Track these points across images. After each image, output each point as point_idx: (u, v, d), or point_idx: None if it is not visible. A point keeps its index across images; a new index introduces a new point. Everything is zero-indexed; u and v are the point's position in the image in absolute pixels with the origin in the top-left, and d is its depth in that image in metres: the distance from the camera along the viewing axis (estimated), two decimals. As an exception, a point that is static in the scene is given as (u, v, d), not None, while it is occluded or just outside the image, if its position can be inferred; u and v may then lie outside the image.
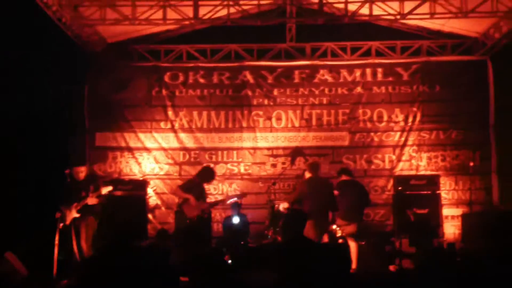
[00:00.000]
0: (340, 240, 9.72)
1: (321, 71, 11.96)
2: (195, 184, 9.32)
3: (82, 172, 8.65)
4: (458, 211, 11.08)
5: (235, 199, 10.35)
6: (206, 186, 9.69)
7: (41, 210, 9.03)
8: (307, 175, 9.45)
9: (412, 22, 11.65)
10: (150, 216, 11.20)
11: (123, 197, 10.39)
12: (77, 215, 8.34)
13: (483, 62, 11.77)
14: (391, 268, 9.55)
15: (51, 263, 7.88)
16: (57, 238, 8.05)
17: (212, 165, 10.67)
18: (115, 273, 5.65)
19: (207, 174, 9.52)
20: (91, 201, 8.35)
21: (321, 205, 8.92)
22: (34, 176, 10.08)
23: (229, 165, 11.71)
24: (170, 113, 11.85)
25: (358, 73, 11.92)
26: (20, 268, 8.23)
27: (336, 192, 9.56)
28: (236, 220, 10.52)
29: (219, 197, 10.71)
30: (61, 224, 8.23)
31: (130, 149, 11.71)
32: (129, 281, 5.65)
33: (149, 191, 11.16)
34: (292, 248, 6.22)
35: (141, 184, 10.86)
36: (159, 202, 11.52)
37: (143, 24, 11.03)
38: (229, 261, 9.05)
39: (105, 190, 8.55)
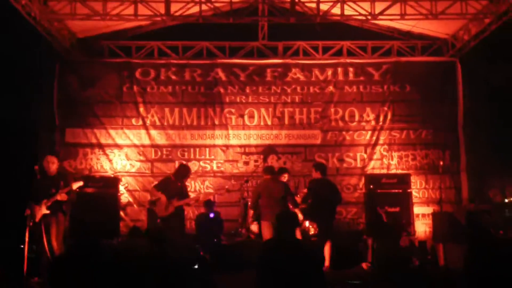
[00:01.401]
0: (313, 238, 9.79)
1: (293, 70, 11.98)
2: (170, 183, 9.23)
3: (53, 163, 8.46)
4: (428, 210, 11.22)
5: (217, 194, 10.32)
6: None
7: (10, 207, 8.84)
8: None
9: (383, 22, 11.79)
10: (122, 213, 11.06)
11: (94, 194, 10.25)
12: (47, 212, 8.16)
13: (452, 63, 11.96)
14: (364, 266, 9.63)
15: (21, 261, 7.73)
16: (27, 235, 7.90)
17: (185, 163, 10.55)
18: (86, 271, 5.57)
19: (182, 171, 9.43)
20: (61, 197, 8.19)
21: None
22: (2, 173, 9.86)
23: (201, 163, 11.64)
24: (141, 109, 11.73)
25: (329, 72, 11.98)
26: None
27: (305, 190, 9.68)
28: (211, 215, 10.47)
29: (192, 195, 10.62)
30: (31, 222, 8.07)
31: (101, 146, 11.55)
32: (101, 279, 5.58)
33: (121, 188, 11.01)
34: (273, 247, 6.22)
35: (113, 181, 10.71)
36: (131, 199, 11.40)
37: (114, 20, 10.92)
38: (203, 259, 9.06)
39: (76, 185, 8.40)
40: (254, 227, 9.70)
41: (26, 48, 10.28)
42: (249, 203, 9.89)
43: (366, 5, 10.45)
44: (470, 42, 11.35)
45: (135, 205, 11.38)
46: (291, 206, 9.38)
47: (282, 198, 9.20)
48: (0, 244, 8.55)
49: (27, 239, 7.85)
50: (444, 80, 11.90)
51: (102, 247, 6.40)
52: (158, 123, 11.72)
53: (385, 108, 11.83)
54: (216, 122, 11.79)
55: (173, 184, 9.19)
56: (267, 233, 8.85)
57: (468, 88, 11.74)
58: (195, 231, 10.64)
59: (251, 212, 9.65)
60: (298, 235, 9.08)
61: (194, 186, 11.42)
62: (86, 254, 5.80)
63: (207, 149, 11.70)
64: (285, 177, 9.98)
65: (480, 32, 10.93)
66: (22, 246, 7.86)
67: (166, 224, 8.87)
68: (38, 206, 8.18)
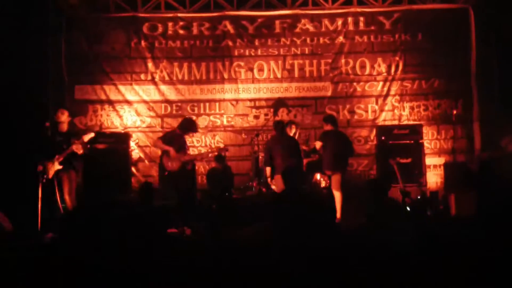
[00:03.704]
0: (324, 191, 9.81)
1: (303, 21, 11.78)
2: (176, 136, 9.10)
3: (63, 113, 8.45)
4: (440, 160, 11.18)
5: (217, 153, 10.20)
6: (188, 138, 9.57)
7: (23, 164, 8.87)
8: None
9: (394, -31, 11.53)
10: (133, 169, 11.13)
11: (105, 150, 10.26)
12: (60, 167, 8.19)
13: (465, 10, 11.67)
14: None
15: (35, 217, 7.81)
16: (40, 192, 7.95)
17: (194, 117, 10.51)
18: (99, 227, 5.61)
19: (189, 126, 9.24)
20: (76, 148, 8.16)
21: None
22: (13, 131, 9.86)
23: (211, 117, 11.60)
24: (150, 65, 11.65)
25: (340, 22, 11.77)
26: (5, 223, 8.17)
27: (319, 142, 9.59)
28: None
29: (202, 150, 10.62)
30: (44, 178, 8.11)
31: (110, 102, 11.53)
32: (112, 235, 5.62)
33: (132, 144, 11.03)
34: (285, 198, 6.24)
35: (123, 137, 10.72)
36: (142, 155, 11.42)
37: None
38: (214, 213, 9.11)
39: (87, 137, 8.37)
40: (275, 187, 9.52)
41: (31, 5, 10.14)
42: (261, 158, 9.90)
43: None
44: (483, -13, 11.07)
45: (146, 161, 11.41)
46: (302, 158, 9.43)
47: (294, 152, 9.21)
48: (13, 201, 8.62)
49: (40, 195, 7.91)
50: (456, 28, 11.65)
51: (112, 202, 6.44)
52: (167, 78, 11.65)
53: (397, 58, 11.65)
54: (226, 76, 11.69)
55: (179, 138, 9.03)
56: (280, 186, 8.87)
57: (480, 35, 11.49)
58: (206, 185, 10.68)
59: (267, 169, 9.53)
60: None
61: (205, 141, 11.41)
62: (98, 209, 5.86)
63: (217, 104, 11.65)
64: (292, 129, 9.96)
65: (494, -22, 10.66)
66: (36, 203, 7.92)
67: (174, 177, 8.83)
68: (51, 163, 8.21)
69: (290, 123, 10.13)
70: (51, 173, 8.21)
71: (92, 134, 8.50)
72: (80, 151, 8.22)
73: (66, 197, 8.26)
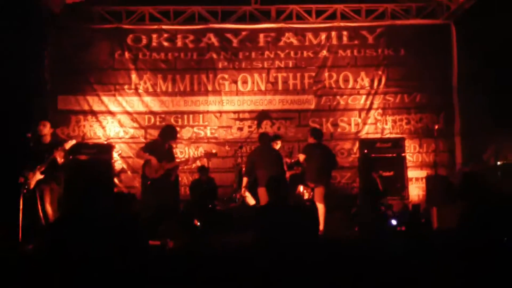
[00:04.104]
0: (307, 203, 9.82)
1: (287, 34, 11.88)
2: (158, 145, 9.05)
3: (45, 126, 8.36)
4: (422, 173, 11.29)
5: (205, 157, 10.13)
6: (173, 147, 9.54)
7: (3, 175, 8.77)
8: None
9: (377, -15, 11.68)
10: (116, 180, 11.09)
11: (88, 161, 10.19)
12: (41, 177, 8.10)
13: (447, 26, 11.88)
14: (357, 229, 9.67)
15: (16, 228, 7.72)
16: (21, 203, 7.86)
17: (173, 125, 10.44)
18: (80, 237, 5.56)
19: (169, 133, 9.18)
20: (58, 155, 8.07)
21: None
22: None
23: (195, 129, 11.60)
24: (133, 76, 11.65)
25: (323, 36, 11.89)
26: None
27: (303, 155, 9.62)
28: None
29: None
30: (25, 189, 8.02)
31: (93, 113, 11.49)
32: (94, 245, 5.58)
33: (114, 155, 10.98)
34: (269, 209, 6.26)
35: (106, 148, 10.66)
36: (124, 166, 11.39)
37: (104, -17, 10.79)
38: (198, 224, 9.07)
39: (69, 144, 8.24)
40: (249, 199, 9.54)
41: (16, 14, 10.09)
42: (243, 169, 9.91)
43: (360, -33, 10.31)
44: (464, 4, 11.22)
45: (129, 172, 11.37)
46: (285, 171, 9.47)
47: (277, 164, 9.24)
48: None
49: (21, 206, 7.82)
50: (438, 43, 11.83)
51: (93, 214, 6.37)
52: (151, 89, 11.66)
53: (379, 72, 11.79)
54: (209, 88, 11.72)
55: (160, 147, 9.00)
56: (264, 199, 8.86)
57: (462, 51, 11.66)
58: (190, 197, 10.65)
59: (245, 179, 9.56)
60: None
61: (188, 153, 11.40)
62: (78, 221, 5.80)
63: (201, 115, 11.66)
64: (277, 144, 10.00)
65: (475, -6, 10.82)
66: (17, 214, 7.83)
67: (156, 186, 8.79)
68: (32, 173, 8.12)
69: (276, 138, 10.14)
70: (32, 183, 8.11)
71: (73, 141, 8.39)
72: (62, 159, 8.14)
73: (48, 207, 8.16)
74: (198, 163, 10.82)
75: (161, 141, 9.08)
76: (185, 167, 10.36)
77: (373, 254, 5.91)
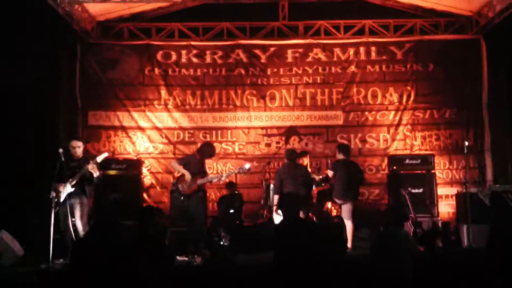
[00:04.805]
0: (335, 220, 9.77)
1: (315, 50, 11.89)
2: (193, 160, 9.12)
3: (79, 147, 8.49)
4: (452, 190, 11.09)
5: (240, 170, 9.96)
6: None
7: (36, 189, 8.93)
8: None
9: (405, 0, 11.64)
10: (145, 195, 11.18)
11: (117, 177, 10.33)
12: (71, 190, 8.20)
13: (476, 41, 11.76)
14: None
15: (47, 242, 7.83)
16: (52, 217, 7.97)
17: (209, 141, 10.50)
18: (109, 252, 5.63)
19: (208, 150, 9.29)
20: (92, 168, 8.17)
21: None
22: (27, 156, 9.97)
23: (223, 145, 11.65)
24: (163, 92, 11.76)
25: (351, 51, 11.88)
26: (16, 247, 8.21)
27: (331, 171, 9.60)
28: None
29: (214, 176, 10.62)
30: (56, 203, 8.13)
31: (123, 128, 11.64)
32: (123, 259, 5.64)
33: (144, 170, 11.10)
34: (288, 228, 6.27)
35: (136, 164, 10.79)
36: (153, 181, 11.48)
37: (134, 1, 11.00)
38: (224, 241, 9.10)
39: (101, 157, 8.35)
40: (276, 218, 9.39)
41: (47, 31, 10.31)
42: (272, 186, 9.93)
43: (389, -17, 10.30)
44: (494, 19, 11.09)
45: (157, 187, 11.46)
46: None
47: (303, 182, 9.24)
48: (27, 226, 8.66)
49: (52, 220, 7.93)
50: (468, 58, 11.72)
51: (121, 228, 6.44)
52: (180, 105, 11.76)
53: (408, 88, 11.71)
54: (238, 104, 11.78)
55: (197, 162, 9.07)
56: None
57: (492, 66, 11.54)
58: (217, 212, 10.69)
59: (276, 197, 9.50)
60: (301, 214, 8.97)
61: (216, 168, 11.44)
62: (105, 236, 5.87)
63: (229, 131, 11.72)
64: (304, 161, 9.99)
65: (504, 9, 10.68)
66: (48, 228, 7.94)
67: (187, 202, 8.84)
68: (63, 186, 8.23)
69: (303, 154, 10.17)
70: (63, 196, 8.21)
71: (105, 154, 8.47)
72: (96, 172, 8.24)
73: (78, 222, 8.26)
74: (227, 179, 10.86)
75: (198, 157, 9.15)
76: (220, 182, 10.25)
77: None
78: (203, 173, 9.06)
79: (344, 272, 6.23)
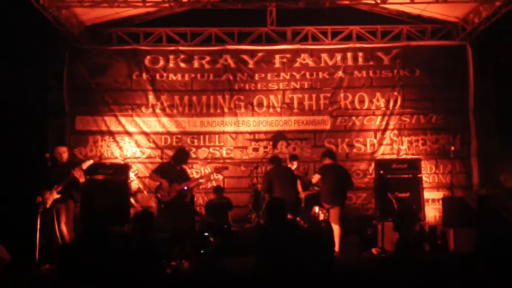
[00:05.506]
0: (323, 224, 9.78)
1: (302, 55, 11.94)
2: (169, 167, 9.20)
3: (64, 152, 8.53)
4: (439, 195, 11.20)
5: (214, 175, 10.09)
6: (187, 169, 9.63)
7: (22, 195, 8.90)
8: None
9: (392, 6, 11.74)
10: (132, 200, 11.13)
11: (104, 181, 10.28)
12: (58, 196, 8.20)
13: (462, 47, 11.86)
14: (373, 251, 9.64)
15: (33, 248, 7.80)
16: (38, 222, 7.96)
17: (186, 148, 10.44)
18: (96, 258, 5.61)
19: (181, 156, 9.36)
20: (78, 174, 8.19)
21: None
22: (13, 161, 9.93)
23: (211, 149, 11.66)
24: (151, 97, 11.76)
25: (339, 57, 11.94)
26: (3, 254, 8.16)
27: (318, 176, 9.65)
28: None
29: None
30: (42, 209, 8.11)
31: (111, 133, 11.61)
32: (111, 265, 5.62)
33: (131, 175, 11.06)
34: (272, 232, 6.30)
35: (123, 168, 10.73)
36: (141, 186, 11.48)
37: (121, 7, 11.01)
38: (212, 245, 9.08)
39: (86, 164, 8.41)
40: None
41: (35, 36, 10.30)
42: (259, 189, 9.98)
43: (375, -11, 10.36)
44: (480, 25, 11.22)
45: (145, 192, 11.46)
46: (300, 190, 9.73)
47: (292, 183, 9.32)
48: (12, 232, 8.61)
49: (38, 226, 7.91)
50: (454, 64, 11.82)
51: (110, 233, 6.43)
52: (168, 110, 11.76)
53: (395, 93, 11.78)
54: (226, 109, 11.80)
55: (172, 169, 9.13)
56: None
57: (478, 71, 11.63)
58: (205, 217, 10.66)
59: (267, 196, 9.58)
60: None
61: (204, 173, 11.42)
62: (95, 241, 5.86)
63: (217, 136, 11.73)
64: (293, 164, 10.06)
65: (490, 15, 10.82)
66: (34, 234, 7.91)
67: (170, 208, 8.85)
68: (49, 192, 8.24)
69: (293, 158, 10.29)
70: (49, 203, 8.22)
71: (91, 161, 8.55)
72: (82, 178, 8.26)
73: (63, 227, 8.25)
74: (214, 183, 10.90)
75: (173, 163, 9.21)
76: (201, 186, 10.37)
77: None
78: (183, 179, 9.06)
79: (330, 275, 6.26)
